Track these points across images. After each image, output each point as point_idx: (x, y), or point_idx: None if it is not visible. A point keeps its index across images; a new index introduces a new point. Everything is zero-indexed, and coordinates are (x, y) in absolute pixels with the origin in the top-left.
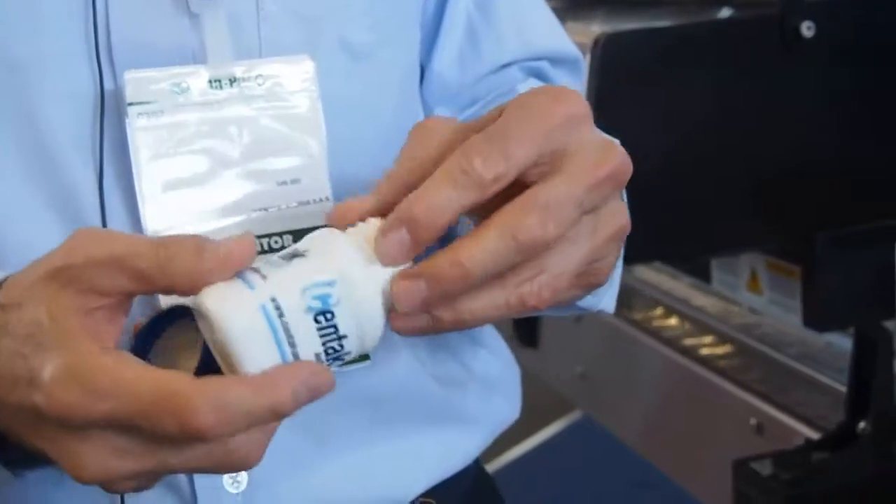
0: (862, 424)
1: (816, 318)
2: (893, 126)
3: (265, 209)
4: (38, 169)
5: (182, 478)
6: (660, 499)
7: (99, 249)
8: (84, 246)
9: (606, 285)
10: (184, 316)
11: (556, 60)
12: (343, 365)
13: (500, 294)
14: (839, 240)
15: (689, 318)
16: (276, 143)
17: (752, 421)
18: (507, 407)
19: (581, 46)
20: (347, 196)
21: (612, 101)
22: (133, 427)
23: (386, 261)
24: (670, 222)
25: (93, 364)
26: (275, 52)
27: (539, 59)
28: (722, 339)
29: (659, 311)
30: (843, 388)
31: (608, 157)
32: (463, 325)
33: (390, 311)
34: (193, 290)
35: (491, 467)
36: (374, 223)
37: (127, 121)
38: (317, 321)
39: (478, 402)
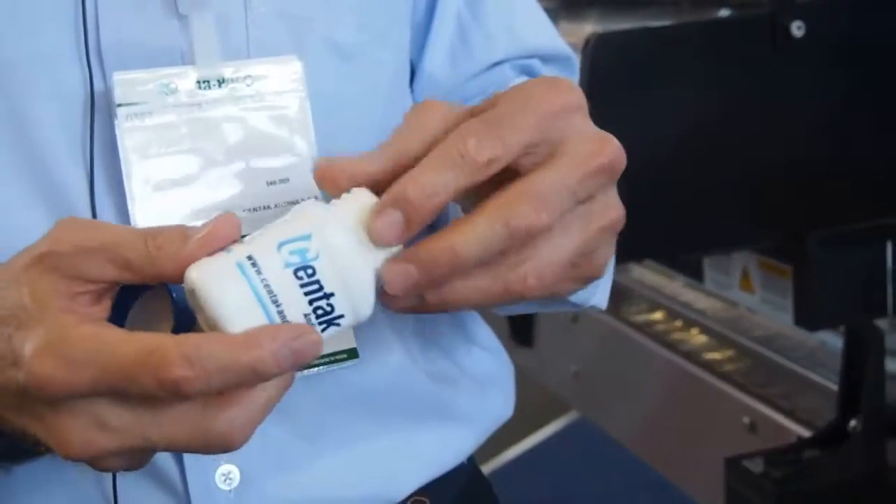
0: (853, 422)
1: (808, 316)
2: (884, 125)
3: (254, 209)
4: (29, 169)
5: (175, 475)
6: (655, 499)
7: (86, 238)
8: (71, 234)
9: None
10: (153, 286)
11: (547, 58)
12: (332, 363)
13: (486, 279)
14: (830, 239)
15: (683, 317)
16: (265, 143)
17: (745, 419)
18: (501, 404)
19: (573, 47)
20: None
21: (603, 101)
22: (116, 393)
23: (380, 242)
24: (661, 221)
25: (72, 334)
26: (263, 53)
27: (530, 56)
28: (715, 338)
29: (653, 310)
30: (835, 387)
31: (603, 147)
32: (447, 308)
33: (381, 292)
34: (180, 277)
35: (487, 468)
36: (359, 197)
37: (116, 122)
38: (297, 276)
39: (471, 399)
